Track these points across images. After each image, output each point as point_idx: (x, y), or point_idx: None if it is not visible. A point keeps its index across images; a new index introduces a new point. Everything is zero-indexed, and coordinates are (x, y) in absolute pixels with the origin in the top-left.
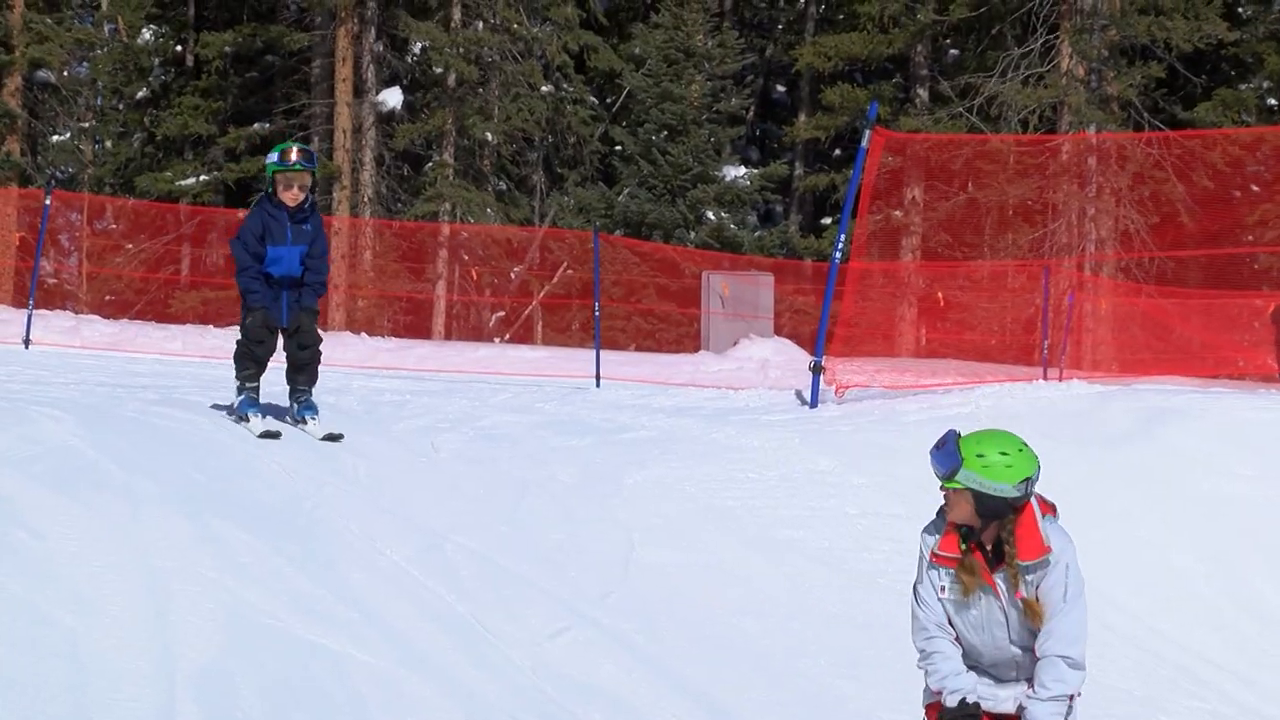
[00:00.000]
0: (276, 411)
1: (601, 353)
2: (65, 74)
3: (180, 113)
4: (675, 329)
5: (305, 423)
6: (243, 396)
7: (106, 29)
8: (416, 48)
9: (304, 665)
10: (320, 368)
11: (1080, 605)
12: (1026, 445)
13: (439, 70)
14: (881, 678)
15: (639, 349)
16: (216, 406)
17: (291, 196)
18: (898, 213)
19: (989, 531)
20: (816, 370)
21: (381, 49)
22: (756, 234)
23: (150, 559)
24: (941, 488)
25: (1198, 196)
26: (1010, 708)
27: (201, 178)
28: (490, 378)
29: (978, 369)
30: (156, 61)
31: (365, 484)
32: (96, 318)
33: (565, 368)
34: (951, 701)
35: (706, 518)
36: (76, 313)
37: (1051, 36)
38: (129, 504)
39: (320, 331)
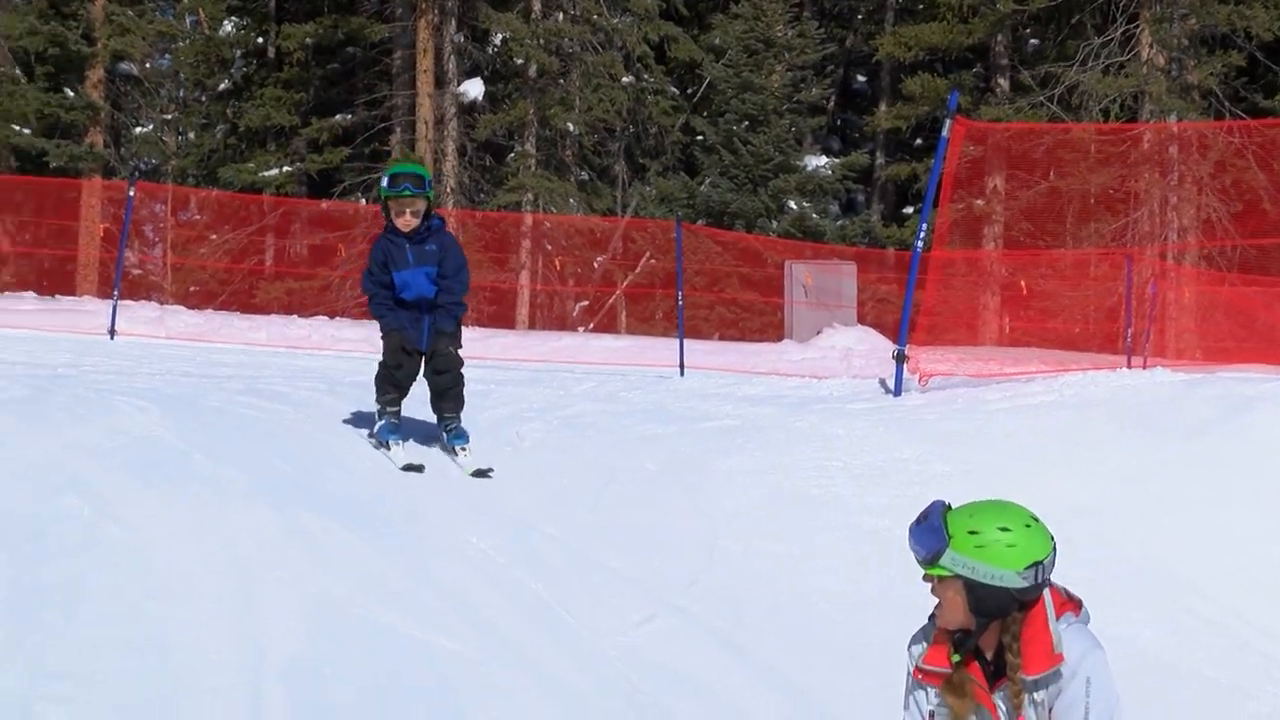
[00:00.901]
0: (422, 431)
1: (685, 341)
2: (147, 66)
3: (262, 104)
4: (759, 318)
5: (455, 453)
6: (383, 422)
7: (188, 21)
8: (497, 39)
9: (392, 655)
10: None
11: None
12: (1037, 520)
13: (520, 61)
14: None
15: (722, 338)
16: (348, 421)
17: (404, 222)
18: (979, 201)
19: (989, 636)
20: (900, 359)
21: (462, 40)
22: (839, 223)
23: (237, 550)
24: (925, 577)
25: None
26: None
27: (284, 169)
28: (574, 367)
29: (1062, 357)
30: (238, 53)
31: (451, 474)
32: (181, 308)
33: (649, 356)
34: None
35: (791, 506)
36: (161, 303)
37: (1131, 26)
38: (216, 495)
39: (460, 354)
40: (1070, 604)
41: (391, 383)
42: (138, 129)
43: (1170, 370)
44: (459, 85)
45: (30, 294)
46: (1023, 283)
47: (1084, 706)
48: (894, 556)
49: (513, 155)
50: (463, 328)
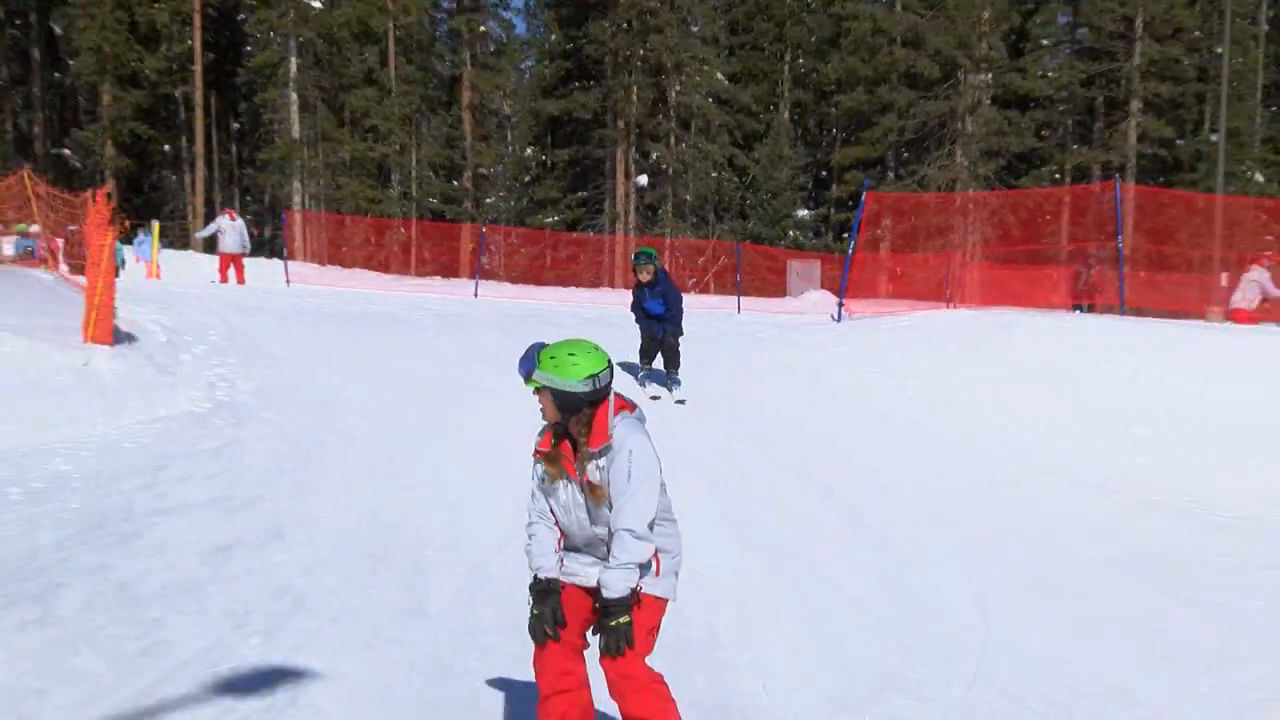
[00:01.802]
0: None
1: (741, 298)
2: (494, 170)
3: (543, 187)
4: (776, 285)
5: (672, 391)
6: (642, 373)
7: (509, 145)
8: (653, 155)
9: None
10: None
11: (647, 487)
12: (599, 348)
13: (664, 167)
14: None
15: (758, 294)
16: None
17: (643, 276)
18: (878, 230)
19: (575, 427)
20: (840, 304)
21: (637, 157)
22: (813, 241)
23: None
24: (534, 392)
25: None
26: (594, 581)
27: (555, 217)
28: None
29: (916, 304)
30: (534, 164)
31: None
32: (507, 284)
33: (724, 305)
34: (535, 578)
35: (791, 375)
36: (499, 281)
37: (952, 146)
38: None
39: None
40: (628, 406)
41: (646, 355)
42: (488, 199)
43: (968, 309)
44: (636, 177)
45: (438, 278)
46: (899, 269)
47: (628, 467)
48: (842, 398)
49: (659, 210)
50: (683, 324)
